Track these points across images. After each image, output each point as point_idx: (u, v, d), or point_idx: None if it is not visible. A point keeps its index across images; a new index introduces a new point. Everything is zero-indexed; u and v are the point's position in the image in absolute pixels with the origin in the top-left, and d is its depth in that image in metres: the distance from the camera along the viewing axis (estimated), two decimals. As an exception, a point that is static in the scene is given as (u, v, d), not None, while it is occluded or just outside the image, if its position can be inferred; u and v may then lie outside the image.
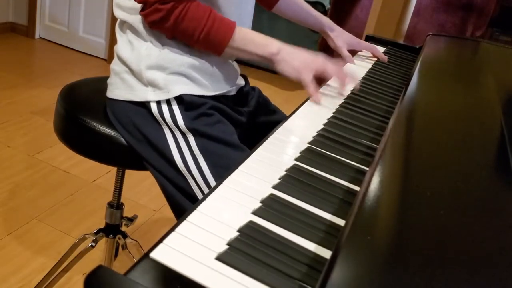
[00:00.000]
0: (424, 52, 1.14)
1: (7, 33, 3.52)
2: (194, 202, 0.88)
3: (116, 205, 1.24)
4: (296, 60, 0.94)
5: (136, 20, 0.92)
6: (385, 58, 1.32)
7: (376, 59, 1.34)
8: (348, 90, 1.02)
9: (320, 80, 0.98)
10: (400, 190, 0.55)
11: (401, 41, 1.56)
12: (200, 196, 0.89)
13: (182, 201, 0.90)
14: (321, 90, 1.01)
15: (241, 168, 0.66)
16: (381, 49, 1.45)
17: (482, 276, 0.41)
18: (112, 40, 3.27)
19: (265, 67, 3.65)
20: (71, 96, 1.07)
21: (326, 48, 1.42)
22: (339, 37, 1.27)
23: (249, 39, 0.93)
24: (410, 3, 2.57)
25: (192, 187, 0.89)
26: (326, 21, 1.27)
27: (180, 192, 0.91)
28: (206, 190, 0.88)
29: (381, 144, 0.66)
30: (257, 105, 1.11)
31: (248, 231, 0.52)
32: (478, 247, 0.45)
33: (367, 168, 0.70)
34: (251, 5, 1.03)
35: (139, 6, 0.91)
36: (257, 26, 3.83)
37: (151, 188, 2.02)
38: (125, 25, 0.96)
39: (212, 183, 0.88)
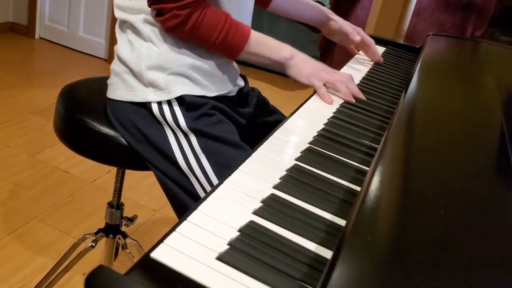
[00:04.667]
0: (424, 52, 1.14)
1: (7, 33, 3.52)
2: (197, 201, 0.89)
3: (116, 205, 1.24)
4: (308, 66, 0.98)
5: (137, 20, 0.92)
6: (379, 60, 1.30)
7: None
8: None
9: None
10: (400, 190, 0.55)
11: (401, 41, 1.56)
12: (203, 195, 0.89)
13: (185, 200, 0.90)
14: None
15: (242, 168, 0.66)
16: (381, 49, 1.45)
17: (482, 276, 0.41)
18: (112, 40, 3.27)
19: (265, 68, 3.64)
20: (71, 96, 1.07)
21: (327, 49, 1.41)
22: (341, 20, 1.26)
23: (264, 43, 0.95)
24: (410, 3, 2.57)
25: (195, 186, 0.89)
26: (326, 8, 1.26)
27: (183, 191, 0.91)
28: (209, 189, 0.88)
29: (381, 144, 0.66)
30: (257, 106, 1.12)
31: (249, 231, 0.52)
32: (478, 247, 0.45)
33: (367, 168, 0.70)
34: (251, 4, 1.03)
35: (139, 6, 0.91)
36: (257, 26, 3.83)
37: (151, 188, 2.02)
38: (125, 25, 0.96)
39: (215, 182, 0.88)
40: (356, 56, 1.35)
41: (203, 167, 0.89)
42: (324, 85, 0.99)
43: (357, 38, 1.23)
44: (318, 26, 1.30)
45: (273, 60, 0.97)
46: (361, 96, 0.99)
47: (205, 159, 0.89)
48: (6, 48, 3.28)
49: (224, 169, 0.88)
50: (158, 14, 0.89)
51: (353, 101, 0.97)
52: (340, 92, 0.98)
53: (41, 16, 3.49)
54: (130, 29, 0.95)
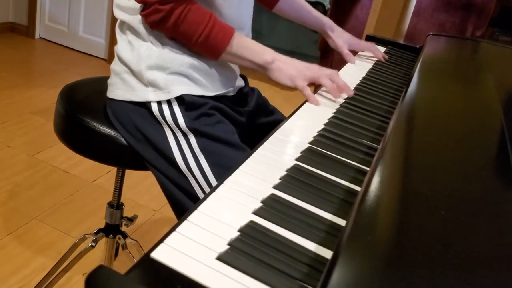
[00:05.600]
0: (424, 52, 1.14)
1: (7, 33, 3.52)
2: (196, 201, 0.89)
3: (116, 205, 1.24)
4: (290, 68, 0.96)
5: (136, 20, 0.92)
6: (383, 57, 1.33)
7: (376, 59, 1.34)
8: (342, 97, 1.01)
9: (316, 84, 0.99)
10: (400, 190, 0.55)
11: (401, 41, 1.56)
12: (201, 195, 0.89)
13: (184, 200, 0.90)
14: (320, 91, 1.01)
15: (242, 168, 0.66)
16: (381, 49, 1.45)
17: (482, 276, 0.41)
18: (112, 40, 3.27)
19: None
20: (71, 96, 1.07)
21: (326, 49, 1.42)
22: (339, 37, 1.29)
23: (246, 46, 0.94)
24: (410, 3, 2.57)
25: (194, 186, 0.89)
26: (327, 21, 1.28)
27: (181, 191, 0.91)
28: (207, 190, 0.89)
29: (381, 144, 0.66)
30: (257, 106, 1.12)
31: (249, 231, 0.52)
32: (478, 247, 0.45)
33: (367, 168, 0.70)
34: (250, 5, 1.03)
35: (139, 6, 0.91)
36: (257, 26, 3.82)
37: (151, 188, 2.02)
38: (125, 25, 0.96)
39: (214, 182, 0.88)
40: (359, 53, 1.35)
41: (202, 167, 0.89)
42: (312, 85, 0.97)
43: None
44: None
45: (255, 63, 0.95)
46: (349, 90, 0.98)
47: (204, 159, 0.89)
48: (6, 48, 3.28)
49: (223, 170, 0.88)
50: (143, 8, 0.89)
51: (338, 98, 0.96)
52: (326, 87, 0.97)
53: (41, 16, 3.49)
54: (129, 30, 0.95)
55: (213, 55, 0.93)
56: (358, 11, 3.43)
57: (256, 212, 0.56)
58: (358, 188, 0.65)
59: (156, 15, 0.87)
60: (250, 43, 0.95)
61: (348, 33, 1.31)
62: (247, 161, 0.68)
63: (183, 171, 0.90)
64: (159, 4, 0.86)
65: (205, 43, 0.90)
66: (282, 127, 0.81)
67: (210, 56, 0.93)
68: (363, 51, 1.37)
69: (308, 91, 0.96)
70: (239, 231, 0.52)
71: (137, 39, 0.93)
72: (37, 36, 3.55)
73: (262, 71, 0.97)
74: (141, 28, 0.92)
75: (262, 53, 0.95)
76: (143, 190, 2.01)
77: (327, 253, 0.51)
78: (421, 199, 0.52)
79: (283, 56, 0.98)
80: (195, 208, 0.55)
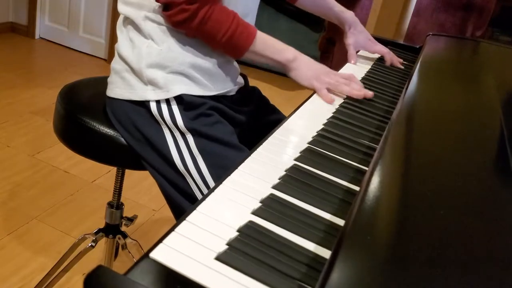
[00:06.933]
0: (424, 52, 1.14)
1: (7, 33, 3.52)
2: (193, 202, 0.89)
3: (116, 205, 1.24)
4: (310, 69, 0.98)
5: (138, 16, 0.92)
6: (398, 63, 1.32)
7: (376, 58, 1.34)
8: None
9: None
10: (400, 190, 0.55)
11: (401, 41, 1.56)
12: (199, 196, 0.89)
13: (181, 201, 0.90)
14: None
15: (241, 168, 0.66)
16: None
17: (482, 276, 0.41)
18: (112, 40, 3.27)
19: (265, 67, 3.64)
20: (71, 96, 1.07)
21: (326, 49, 1.42)
22: (354, 35, 1.28)
23: (268, 44, 0.96)
24: (410, 3, 2.57)
25: (191, 187, 0.89)
26: (348, 17, 1.27)
27: (178, 192, 0.91)
28: (204, 190, 0.89)
29: (381, 144, 0.66)
30: (257, 105, 1.12)
31: (248, 231, 0.52)
32: (478, 247, 0.45)
33: (367, 168, 0.70)
34: (256, 5, 1.04)
35: (143, 2, 0.90)
36: (257, 25, 3.82)
37: (151, 188, 2.02)
38: (127, 21, 0.96)
39: (211, 183, 0.88)
40: (359, 52, 1.35)
41: (199, 168, 0.89)
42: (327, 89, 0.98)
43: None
44: None
45: (276, 61, 0.97)
46: (368, 94, 0.98)
47: (202, 159, 0.89)
48: (6, 48, 3.28)
49: (220, 171, 0.88)
50: (165, 8, 0.89)
51: (361, 97, 0.97)
52: (345, 93, 0.98)
53: (41, 16, 3.49)
54: (131, 25, 0.95)
55: (236, 54, 0.95)
56: (358, 11, 3.43)
57: (255, 212, 0.56)
58: (357, 188, 0.65)
59: (182, 14, 0.87)
60: (271, 41, 0.97)
61: (366, 33, 1.30)
62: (246, 161, 0.68)
63: (181, 171, 0.89)
64: (185, 4, 0.86)
65: (229, 43, 0.91)
66: (281, 127, 0.81)
67: (232, 55, 0.96)
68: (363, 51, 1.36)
69: (325, 91, 0.97)
70: (238, 231, 0.52)
71: (138, 36, 0.93)
72: (37, 36, 3.55)
73: (282, 68, 0.99)
74: (143, 25, 0.92)
75: (284, 51, 0.97)
76: (143, 190, 2.01)
77: (326, 253, 0.51)
78: (421, 199, 0.52)
79: (304, 55, 1.00)
80: (194, 208, 0.55)
